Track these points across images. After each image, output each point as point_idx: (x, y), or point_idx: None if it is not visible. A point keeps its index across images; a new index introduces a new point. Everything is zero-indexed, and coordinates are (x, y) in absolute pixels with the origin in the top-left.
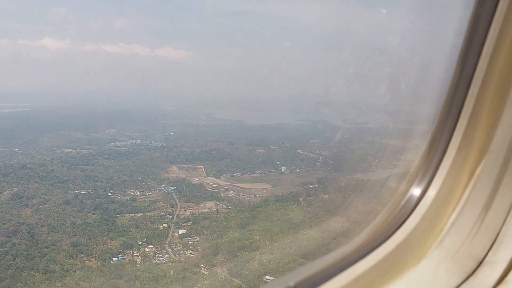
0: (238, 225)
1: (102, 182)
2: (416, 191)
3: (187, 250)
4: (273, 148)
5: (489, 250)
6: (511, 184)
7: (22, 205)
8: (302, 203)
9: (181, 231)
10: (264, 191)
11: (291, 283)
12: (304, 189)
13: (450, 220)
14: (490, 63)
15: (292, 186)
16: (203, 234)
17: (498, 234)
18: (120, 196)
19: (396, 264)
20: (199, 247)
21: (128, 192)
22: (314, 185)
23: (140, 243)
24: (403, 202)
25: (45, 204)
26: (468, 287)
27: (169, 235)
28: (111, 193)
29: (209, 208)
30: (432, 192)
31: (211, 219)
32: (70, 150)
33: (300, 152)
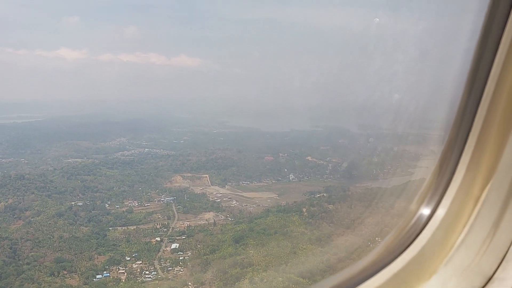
0: (233, 238)
1: (101, 192)
2: (425, 211)
3: (176, 267)
4: (282, 156)
5: (498, 267)
6: None
7: (15, 218)
8: (305, 214)
9: (173, 245)
10: (268, 200)
11: None
12: (309, 198)
13: (460, 239)
14: (497, 85)
15: (298, 195)
16: (196, 248)
17: (507, 251)
18: (117, 208)
19: (406, 281)
20: (189, 263)
21: (125, 203)
22: (321, 194)
23: (128, 258)
24: (413, 221)
25: (37, 216)
26: None
27: (161, 250)
28: (108, 204)
29: (207, 220)
30: (441, 211)
31: (206, 232)
32: (76, 159)
33: (310, 159)
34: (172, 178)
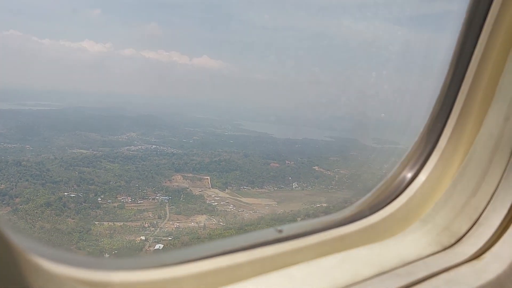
0: None
1: (97, 185)
2: (408, 175)
3: None
4: (288, 163)
5: (469, 229)
6: (496, 172)
7: (4, 204)
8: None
9: (157, 246)
10: (266, 207)
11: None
12: (306, 208)
13: (436, 202)
14: (480, 63)
15: (298, 205)
16: None
17: (479, 216)
18: (109, 202)
19: (378, 233)
20: None
21: (119, 198)
22: (321, 205)
23: (107, 255)
24: (394, 184)
25: (26, 204)
26: (443, 257)
27: (143, 250)
28: (101, 198)
29: (197, 223)
30: (422, 177)
31: (193, 235)
32: (81, 150)
33: (317, 169)
34: (172, 177)
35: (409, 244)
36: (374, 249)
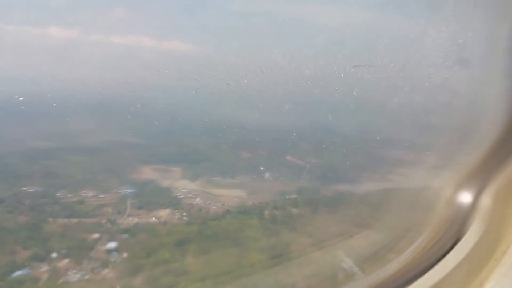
0: (175, 242)
1: (60, 179)
2: (466, 199)
3: (105, 269)
4: (261, 153)
5: None
6: None
7: None
8: (266, 218)
9: (110, 245)
10: (235, 199)
11: None
12: (274, 200)
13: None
14: None
15: (269, 195)
16: (133, 250)
17: None
18: (69, 197)
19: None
20: (120, 266)
21: (80, 193)
22: (292, 196)
23: (55, 255)
24: (450, 212)
25: None
26: None
27: (95, 248)
28: (61, 192)
29: (158, 218)
30: (486, 200)
31: (151, 232)
32: (47, 143)
33: (289, 158)
34: (140, 169)
35: None
36: None
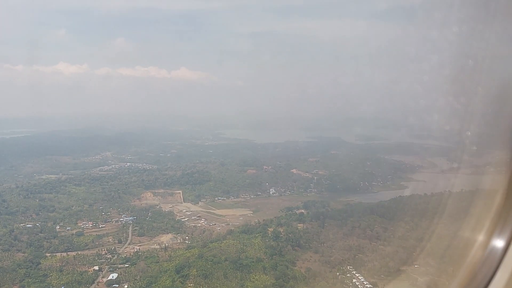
0: (176, 268)
1: (58, 212)
2: (498, 243)
3: None
4: (266, 168)
5: None
6: None
7: None
8: (269, 235)
9: (111, 276)
10: (241, 218)
11: None
12: (278, 217)
13: None
14: None
15: (275, 212)
16: (134, 280)
17: None
18: (68, 230)
19: None
20: None
21: (79, 224)
22: (299, 210)
23: None
24: (485, 256)
25: None
26: None
27: (95, 282)
28: (60, 225)
29: (159, 244)
30: None
31: (152, 259)
32: (50, 176)
33: (295, 172)
34: (142, 195)
35: None
36: None
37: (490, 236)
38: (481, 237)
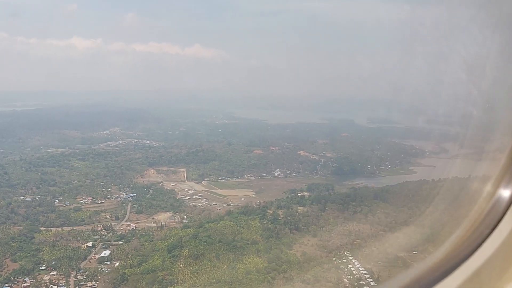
0: (168, 248)
1: (58, 186)
2: (505, 192)
3: (91, 281)
4: (272, 149)
5: None
6: None
7: None
8: (268, 217)
9: (104, 253)
10: (242, 199)
11: None
12: (279, 199)
13: None
14: None
15: (278, 193)
16: (125, 258)
17: None
18: (66, 205)
19: (489, 279)
20: (108, 277)
21: (78, 199)
22: (302, 193)
23: (43, 267)
24: (490, 205)
25: None
26: None
27: (88, 258)
28: (58, 200)
29: (156, 222)
30: None
31: (147, 238)
32: (57, 149)
33: (302, 153)
34: (145, 172)
35: None
36: None
37: (496, 187)
38: (487, 188)
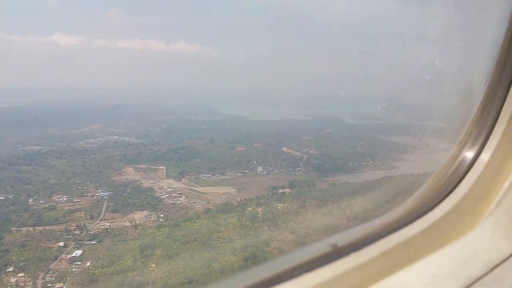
0: (140, 247)
1: (33, 185)
2: (468, 155)
3: (58, 283)
4: (256, 146)
5: None
6: None
7: None
8: (247, 215)
9: (75, 253)
10: (223, 196)
11: (335, 244)
12: (263, 195)
13: (505, 186)
14: None
15: (260, 190)
16: (97, 258)
17: None
18: (41, 204)
19: (445, 232)
20: (76, 278)
21: (53, 198)
22: (284, 190)
23: (10, 269)
24: (454, 166)
25: None
26: None
27: (58, 258)
28: (33, 198)
29: (131, 222)
30: (485, 156)
31: (120, 237)
32: (35, 147)
33: (285, 150)
34: (123, 170)
35: (488, 242)
36: (448, 255)
37: (460, 149)
38: (452, 152)
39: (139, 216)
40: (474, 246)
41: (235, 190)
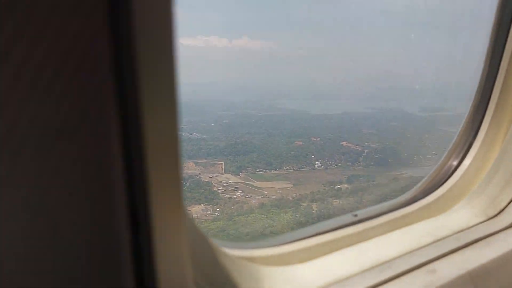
0: None
1: None
2: (454, 162)
3: None
4: (314, 140)
5: (510, 202)
6: None
7: None
8: (302, 211)
9: None
10: (279, 191)
11: (355, 214)
12: (319, 191)
13: (480, 182)
14: None
15: (316, 185)
16: None
17: None
18: None
19: (433, 210)
20: None
21: None
22: (342, 185)
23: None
24: (443, 170)
25: None
26: (487, 225)
27: None
28: None
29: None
30: (467, 162)
31: None
32: None
33: (344, 144)
34: (184, 165)
35: (459, 217)
36: (429, 223)
37: (449, 158)
38: (442, 160)
39: (196, 209)
40: (449, 220)
41: (291, 185)
